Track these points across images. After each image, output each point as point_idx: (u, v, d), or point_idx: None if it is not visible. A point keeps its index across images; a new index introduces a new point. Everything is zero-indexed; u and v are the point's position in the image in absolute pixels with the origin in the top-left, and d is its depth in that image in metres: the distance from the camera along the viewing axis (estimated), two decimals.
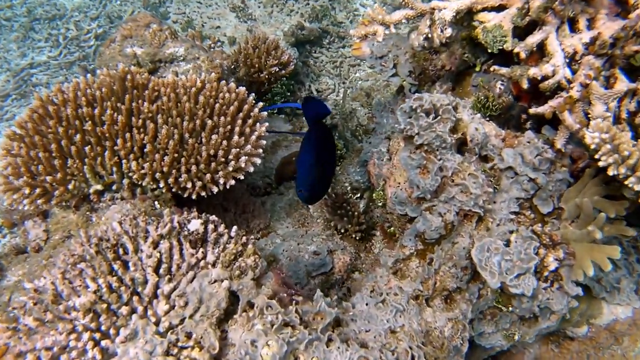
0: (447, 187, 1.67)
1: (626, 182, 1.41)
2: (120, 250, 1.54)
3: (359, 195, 2.79)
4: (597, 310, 2.21)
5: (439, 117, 1.64)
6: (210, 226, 1.64)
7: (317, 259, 2.19)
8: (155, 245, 1.56)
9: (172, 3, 5.03)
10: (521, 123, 2.09)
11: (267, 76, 2.95)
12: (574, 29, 1.94)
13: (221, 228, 1.65)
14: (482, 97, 1.95)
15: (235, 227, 1.65)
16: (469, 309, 1.62)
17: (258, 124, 2.20)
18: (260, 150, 2.15)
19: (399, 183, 1.69)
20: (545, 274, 1.68)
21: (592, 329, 2.23)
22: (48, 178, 1.94)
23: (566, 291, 1.70)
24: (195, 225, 1.63)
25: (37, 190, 1.95)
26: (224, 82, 2.24)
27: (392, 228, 2.01)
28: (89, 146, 2.02)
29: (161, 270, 1.53)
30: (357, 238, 2.30)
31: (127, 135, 2.02)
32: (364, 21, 2.11)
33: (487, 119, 1.94)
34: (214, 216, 1.66)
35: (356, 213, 2.30)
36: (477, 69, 2.17)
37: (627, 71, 1.89)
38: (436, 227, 1.60)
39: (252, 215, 2.55)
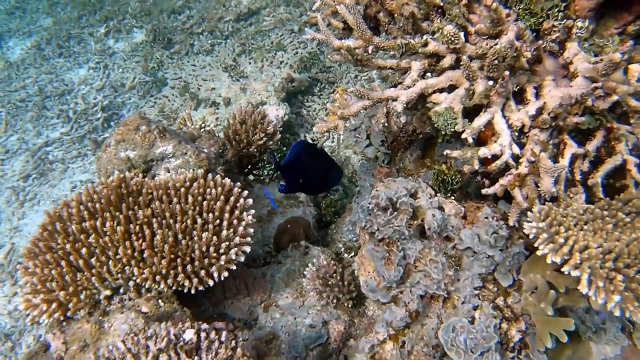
0: (411, 272, 1.83)
1: (562, 270, 1.55)
2: None
3: (353, 254, 2.96)
4: (585, 352, 2.31)
5: (397, 212, 1.81)
6: (203, 334, 1.83)
7: (313, 331, 2.37)
8: (155, 359, 1.76)
9: (169, 68, 5.30)
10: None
11: (256, 149, 3.15)
12: (522, 99, 2.08)
13: (212, 334, 1.84)
14: (441, 174, 2.10)
15: (225, 333, 1.84)
16: None
17: (245, 212, 2.39)
18: (249, 239, 2.34)
19: (369, 272, 1.86)
20: (511, 344, 1.83)
21: None
22: (61, 293, 2.16)
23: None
24: (189, 335, 1.82)
25: (54, 305, 2.18)
26: (210, 176, 2.44)
27: None
28: (95, 257, 2.24)
29: None
30: (350, 305, 2.46)
31: (127, 242, 2.23)
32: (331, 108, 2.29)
33: (449, 194, 2.10)
34: (204, 324, 1.85)
35: (346, 282, 2.46)
36: (440, 140, 2.32)
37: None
38: (401, 317, 1.77)
39: (253, 286, 2.74)
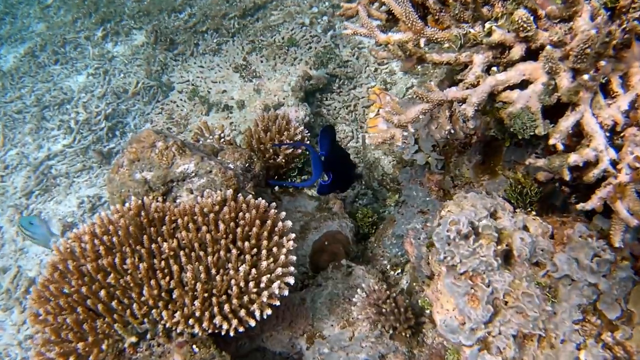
0: (500, 309, 1.52)
1: None
2: None
3: (400, 270, 2.66)
4: None
5: (480, 239, 1.50)
6: None
7: None
8: None
9: (174, 71, 4.96)
10: (567, 198, 1.92)
11: (283, 159, 2.84)
12: (608, 90, 1.77)
13: None
14: (517, 184, 1.79)
15: None
16: None
17: (284, 238, 2.09)
18: (292, 268, 2.03)
19: (447, 310, 1.56)
20: None
21: None
22: (80, 345, 1.86)
23: None
24: None
25: (71, 359, 1.88)
26: (241, 198, 2.13)
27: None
28: (115, 300, 1.93)
29: None
30: (408, 335, 2.16)
31: (152, 281, 1.93)
32: (375, 105, 1.98)
33: (529, 208, 1.79)
34: None
35: (402, 309, 2.16)
36: (507, 144, 2.01)
37: None
38: None
39: (294, 315, 2.43)
